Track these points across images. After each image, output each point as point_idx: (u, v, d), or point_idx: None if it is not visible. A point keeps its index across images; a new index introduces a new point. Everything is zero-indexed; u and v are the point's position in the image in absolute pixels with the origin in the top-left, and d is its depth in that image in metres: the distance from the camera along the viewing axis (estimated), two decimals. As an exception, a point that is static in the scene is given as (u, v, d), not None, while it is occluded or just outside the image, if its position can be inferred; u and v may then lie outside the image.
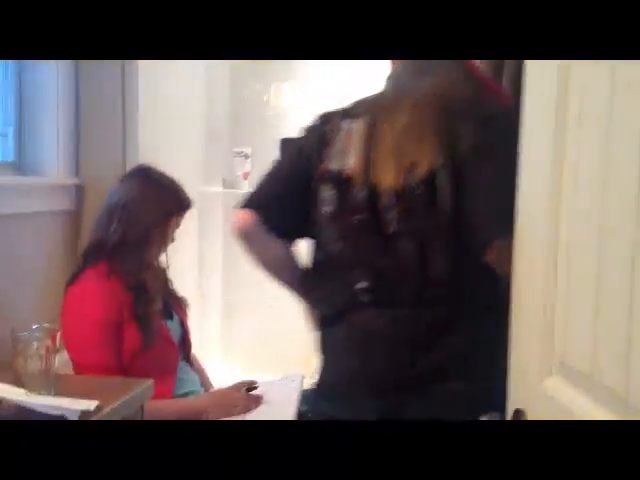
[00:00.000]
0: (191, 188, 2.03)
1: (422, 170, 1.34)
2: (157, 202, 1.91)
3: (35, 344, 1.34)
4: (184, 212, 1.98)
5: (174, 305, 2.07)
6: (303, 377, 2.14)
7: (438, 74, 1.43)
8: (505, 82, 1.62)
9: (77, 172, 2.36)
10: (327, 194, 1.44)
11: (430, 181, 1.34)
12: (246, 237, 1.56)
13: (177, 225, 1.99)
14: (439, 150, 1.33)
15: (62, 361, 1.76)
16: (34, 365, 1.34)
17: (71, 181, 2.33)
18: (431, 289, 1.36)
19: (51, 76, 2.23)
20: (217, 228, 3.28)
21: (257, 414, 1.92)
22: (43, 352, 1.36)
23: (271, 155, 3.21)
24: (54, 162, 2.27)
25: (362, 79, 3.16)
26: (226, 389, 1.98)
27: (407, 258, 1.36)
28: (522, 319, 1.02)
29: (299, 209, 1.49)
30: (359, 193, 1.39)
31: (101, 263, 1.85)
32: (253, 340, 3.30)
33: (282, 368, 2.42)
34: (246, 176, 3.25)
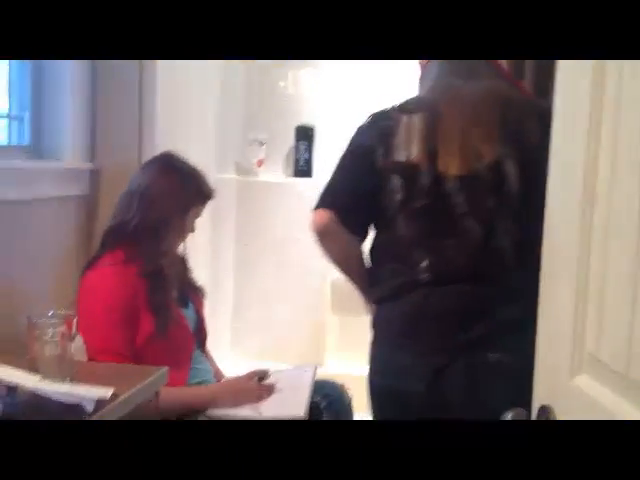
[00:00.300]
0: (206, 174, 2.02)
1: (488, 159, 1.52)
2: (177, 190, 1.90)
3: (51, 330, 1.33)
4: (205, 202, 1.97)
5: (190, 294, 2.06)
6: (316, 367, 2.13)
7: (487, 76, 1.63)
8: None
9: (93, 157, 2.35)
10: (396, 183, 1.56)
11: (495, 169, 1.52)
12: (325, 236, 1.68)
13: (197, 215, 1.97)
14: (504, 142, 1.52)
15: (78, 347, 1.76)
16: (49, 351, 1.33)
17: (86, 166, 2.32)
18: (490, 267, 1.52)
19: (67, 60, 2.22)
20: (231, 215, 3.26)
21: (269, 403, 1.92)
22: (58, 338, 1.35)
23: (286, 142, 3.25)
24: (70, 146, 2.26)
25: (378, 67, 3.13)
26: (238, 378, 1.98)
27: (471, 239, 1.52)
28: (551, 314, 0.99)
29: (369, 204, 1.61)
30: (425, 180, 1.54)
31: (118, 249, 1.85)
32: (264, 329, 3.29)
33: (292, 357, 2.42)
34: (260, 163, 3.23)
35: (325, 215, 1.64)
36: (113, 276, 1.82)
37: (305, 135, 3.20)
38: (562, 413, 0.94)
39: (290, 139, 3.24)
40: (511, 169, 1.52)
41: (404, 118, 1.59)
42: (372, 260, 1.68)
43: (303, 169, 3.21)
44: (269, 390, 1.92)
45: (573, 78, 0.93)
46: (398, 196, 1.56)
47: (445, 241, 1.54)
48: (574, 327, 0.91)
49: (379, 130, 1.61)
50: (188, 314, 2.02)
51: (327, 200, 1.65)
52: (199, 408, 1.85)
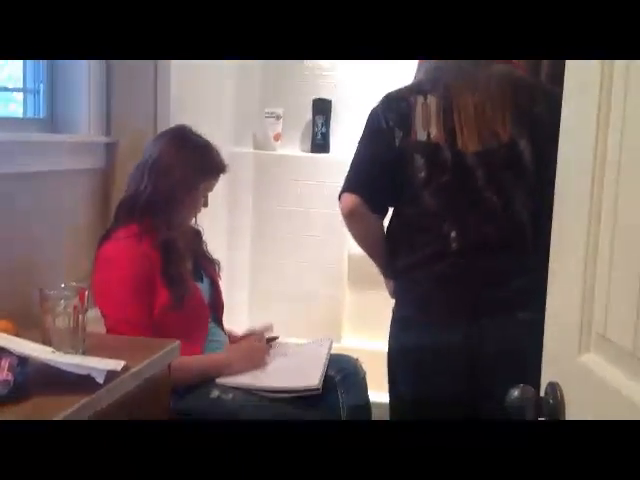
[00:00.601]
0: (222, 149, 2.02)
1: (504, 137, 1.65)
2: (187, 162, 1.91)
3: (63, 302, 1.34)
4: (216, 176, 1.97)
5: (206, 267, 2.07)
6: (332, 341, 2.15)
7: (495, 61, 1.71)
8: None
9: (108, 130, 2.36)
10: (418, 162, 1.67)
11: (511, 146, 1.65)
12: (354, 219, 1.77)
13: (209, 188, 1.98)
14: (517, 122, 1.64)
15: (94, 319, 1.78)
16: (62, 323, 1.34)
17: (102, 139, 2.32)
18: (510, 236, 1.65)
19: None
20: (247, 189, 3.26)
21: (285, 374, 1.94)
22: (71, 310, 1.36)
23: (302, 116, 3.22)
24: (85, 119, 2.26)
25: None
26: (247, 341, 2.00)
27: (492, 210, 1.65)
28: (560, 293, 0.98)
29: (393, 183, 1.71)
30: (447, 157, 1.65)
31: (133, 222, 1.87)
32: (280, 303, 3.29)
33: (309, 332, 2.43)
34: (277, 137, 3.22)
35: (353, 199, 1.72)
36: (128, 248, 1.84)
37: (322, 109, 3.17)
38: (569, 391, 0.93)
39: (307, 113, 3.22)
40: (525, 147, 1.65)
41: (421, 99, 1.69)
42: (395, 234, 1.78)
43: (320, 143, 3.19)
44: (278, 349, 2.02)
45: (581, 69, 0.92)
46: (422, 174, 1.66)
47: (469, 213, 1.67)
48: (582, 305, 0.90)
49: (397, 111, 1.70)
50: (204, 287, 2.03)
51: (353, 184, 1.74)
52: (216, 373, 1.89)
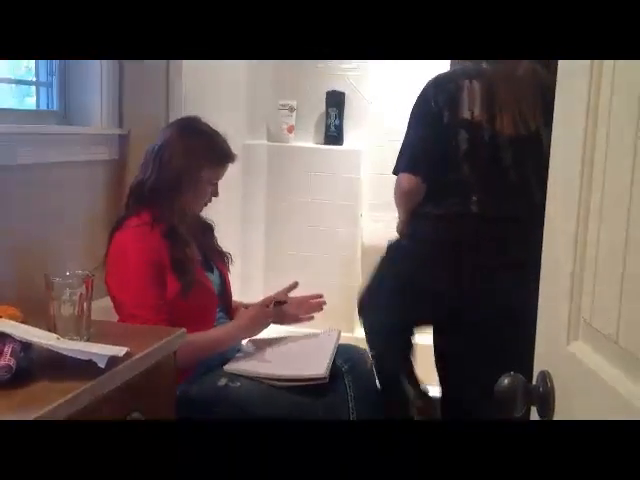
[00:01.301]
0: (236, 140, 2.03)
1: (532, 125, 1.90)
2: (188, 148, 1.92)
3: (68, 290, 1.36)
4: (219, 163, 1.97)
5: (216, 259, 2.09)
6: (340, 332, 2.16)
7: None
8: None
9: (121, 121, 2.38)
10: (462, 137, 1.91)
11: (536, 134, 1.88)
12: (410, 196, 1.99)
13: (215, 177, 1.99)
14: (543, 113, 1.86)
15: (105, 308, 1.81)
16: (66, 311, 1.36)
17: (115, 130, 2.35)
18: (524, 209, 1.81)
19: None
20: (261, 180, 3.27)
21: (293, 362, 1.95)
22: (76, 298, 1.38)
23: (316, 108, 3.23)
24: (98, 111, 2.29)
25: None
26: (254, 308, 2.03)
27: (512, 186, 1.90)
28: (551, 281, 0.98)
29: (442, 157, 1.93)
30: (486, 136, 1.91)
31: (145, 210, 1.89)
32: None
33: (322, 322, 2.44)
34: (291, 129, 3.23)
35: (412, 180, 1.95)
36: (141, 236, 1.86)
37: (336, 101, 3.17)
38: (559, 379, 0.94)
39: (321, 105, 3.22)
40: (547, 136, 1.64)
41: (467, 82, 1.92)
42: (431, 197, 1.97)
43: (333, 135, 3.20)
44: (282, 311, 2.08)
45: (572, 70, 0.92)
46: (464, 147, 1.90)
47: (493, 186, 1.91)
48: (571, 294, 0.91)
49: (447, 92, 1.93)
50: (213, 278, 2.05)
51: (411, 165, 1.95)
52: (227, 342, 1.96)
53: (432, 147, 1.94)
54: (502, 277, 1.86)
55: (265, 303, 2.11)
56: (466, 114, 1.90)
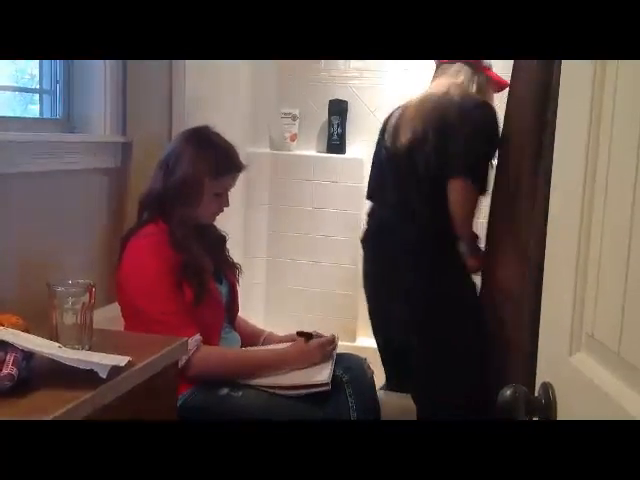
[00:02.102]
0: (239, 149, 2.02)
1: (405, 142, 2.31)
2: (193, 158, 1.91)
3: (70, 299, 1.37)
4: (224, 174, 1.95)
5: (226, 270, 2.09)
6: (338, 337, 2.14)
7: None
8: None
9: (124, 129, 2.39)
10: (382, 154, 2.44)
11: (408, 152, 2.27)
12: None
13: (221, 187, 1.96)
14: (419, 134, 2.26)
15: (106, 316, 1.81)
16: (69, 319, 1.36)
17: (118, 138, 2.35)
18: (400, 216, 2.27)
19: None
20: (264, 189, 3.28)
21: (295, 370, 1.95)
22: (79, 307, 1.38)
23: (318, 117, 3.24)
24: (101, 120, 2.30)
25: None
26: (303, 343, 2.01)
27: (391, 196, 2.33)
28: (553, 294, 0.98)
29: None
30: (383, 151, 2.45)
31: (159, 219, 1.89)
32: (296, 303, 3.31)
33: (324, 331, 2.43)
34: (293, 137, 3.23)
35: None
36: (158, 244, 1.86)
37: (338, 110, 3.18)
38: (561, 391, 0.93)
39: (323, 114, 3.23)
40: (421, 156, 2.20)
41: (395, 111, 2.45)
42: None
43: (336, 144, 3.20)
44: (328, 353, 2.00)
45: (576, 72, 0.92)
46: (377, 163, 2.48)
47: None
48: (573, 306, 0.91)
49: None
50: (222, 289, 2.05)
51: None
52: (272, 364, 1.94)
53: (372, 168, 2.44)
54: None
55: (322, 344, 2.02)
56: (385, 136, 2.37)
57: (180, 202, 1.90)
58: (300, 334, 2.06)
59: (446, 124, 2.18)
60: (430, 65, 3.04)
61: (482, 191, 2.20)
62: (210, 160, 1.92)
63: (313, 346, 1.98)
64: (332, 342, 2.03)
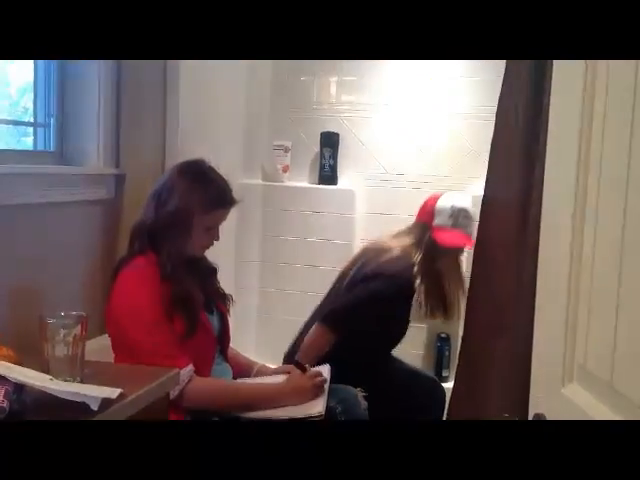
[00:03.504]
0: (231, 180, 2.01)
1: None
2: (183, 191, 1.89)
3: (62, 331, 1.36)
4: (213, 208, 1.93)
5: (217, 301, 2.08)
6: (330, 367, 2.14)
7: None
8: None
9: (117, 162, 2.40)
10: None
11: None
12: None
13: (211, 221, 1.94)
14: None
15: (98, 347, 1.79)
16: (60, 351, 1.35)
17: (111, 170, 2.36)
18: None
19: (92, 67, 2.27)
20: (256, 220, 3.29)
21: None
22: (70, 339, 1.37)
23: (310, 149, 3.27)
24: (94, 152, 2.31)
25: (400, 76, 3.14)
26: (300, 377, 1.98)
27: None
28: (545, 325, 0.99)
29: None
30: None
31: (149, 251, 1.88)
32: (289, 333, 3.29)
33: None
34: (286, 169, 3.25)
35: None
36: (148, 276, 1.83)
37: (330, 141, 3.21)
38: (554, 419, 0.94)
39: (315, 146, 3.26)
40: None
41: None
42: None
43: (328, 175, 3.22)
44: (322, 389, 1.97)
45: (567, 76, 0.94)
46: None
47: None
48: (565, 338, 0.91)
49: None
50: (213, 320, 2.04)
51: None
52: (263, 402, 1.90)
53: None
54: None
55: (313, 375, 1.98)
56: None
57: (170, 234, 1.88)
58: (296, 365, 2.04)
59: (356, 274, 2.44)
60: (415, 101, 3.10)
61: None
62: (202, 195, 1.90)
63: (307, 383, 1.95)
64: (320, 374, 1.99)
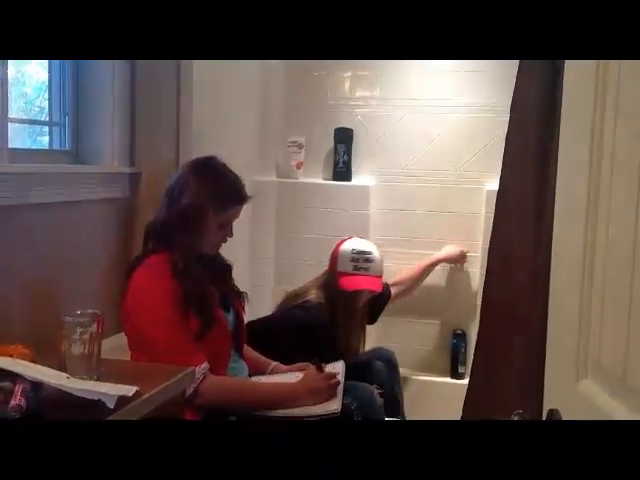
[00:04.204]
0: (245, 177, 2.01)
1: None
2: (196, 188, 1.89)
3: (79, 329, 1.37)
4: (226, 205, 1.94)
5: (233, 299, 2.08)
6: (344, 363, 2.14)
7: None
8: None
9: (132, 160, 2.41)
10: None
11: None
12: None
13: (224, 218, 1.94)
14: None
15: (114, 345, 1.81)
16: (77, 350, 1.36)
17: (126, 169, 2.37)
18: None
19: (107, 66, 2.28)
20: (270, 217, 3.29)
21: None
22: (87, 337, 1.38)
23: (324, 145, 3.27)
24: (109, 151, 2.32)
25: (413, 71, 3.13)
26: (316, 377, 1.98)
27: None
28: (559, 321, 0.99)
29: None
30: None
31: (163, 249, 1.88)
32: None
33: (331, 357, 2.42)
34: (300, 165, 3.26)
35: None
36: (163, 274, 1.84)
37: (344, 137, 3.20)
38: (567, 416, 0.93)
39: (329, 142, 3.25)
40: None
41: None
42: None
43: (342, 171, 3.22)
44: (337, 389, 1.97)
45: (579, 76, 0.93)
46: None
47: None
48: (579, 334, 0.91)
49: None
50: (229, 317, 2.04)
51: None
52: (279, 402, 1.91)
53: None
54: None
55: (328, 376, 1.98)
56: None
57: (183, 231, 1.88)
58: (313, 364, 2.02)
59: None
60: (430, 96, 3.09)
61: None
62: (215, 192, 1.91)
63: (323, 384, 1.94)
64: (335, 375, 1.98)
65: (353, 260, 2.52)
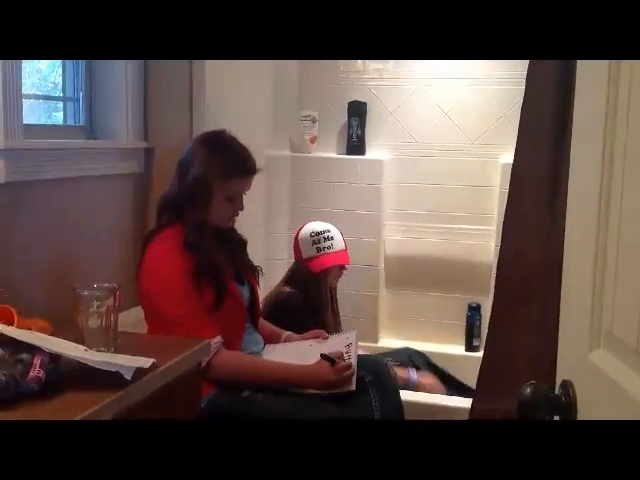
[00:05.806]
0: (258, 152, 2.02)
1: None
2: (203, 159, 1.92)
3: (95, 303, 1.39)
4: (234, 176, 1.95)
5: (247, 273, 2.10)
6: (356, 332, 2.15)
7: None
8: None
9: (146, 135, 2.42)
10: None
11: None
12: None
13: (232, 189, 1.95)
14: None
15: (131, 319, 1.83)
16: (94, 323, 1.38)
17: (140, 144, 2.38)
18: None
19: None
20: (284, 191, 3.30)
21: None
22: (104, 310, 1.40)
23: (338, 119, 3.25)
24: (123, 126, 2.33)
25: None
26: (327, 372, 1.96)
27: None
28: (572, 290, 0.99)
29: None
30: None
31: (177, 222, 1.90)
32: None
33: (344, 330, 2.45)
34: (313, 140, 3.25)
35: None
36: (176, 247, 1.87)
37: (357, 111, 3.19)
38: (581, 388, 0.94)
39: (343, 116, 3.24)
40: None
41: None
42: None
43: (356, 145, 3.21)
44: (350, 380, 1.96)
45: (591, 77, 0.93)
46: None
47: None
48: (592, 303, 0.91)
49: None
50: (244, 290, 2.06)
51: None
52: (298, 381, 1.93)
53: None
54: None
55: (344, 368, 1.96)
56: None
57: (192, 204, 1.91)
58: (324, 358, 1.98)
59: None
60: (443, 68, 3.06)
61: None
62: (219, 163, 1.93)
63: (335, 377, 1.93)
64: (349, 367, 1.96)
65: (314, 243, 2.57)
